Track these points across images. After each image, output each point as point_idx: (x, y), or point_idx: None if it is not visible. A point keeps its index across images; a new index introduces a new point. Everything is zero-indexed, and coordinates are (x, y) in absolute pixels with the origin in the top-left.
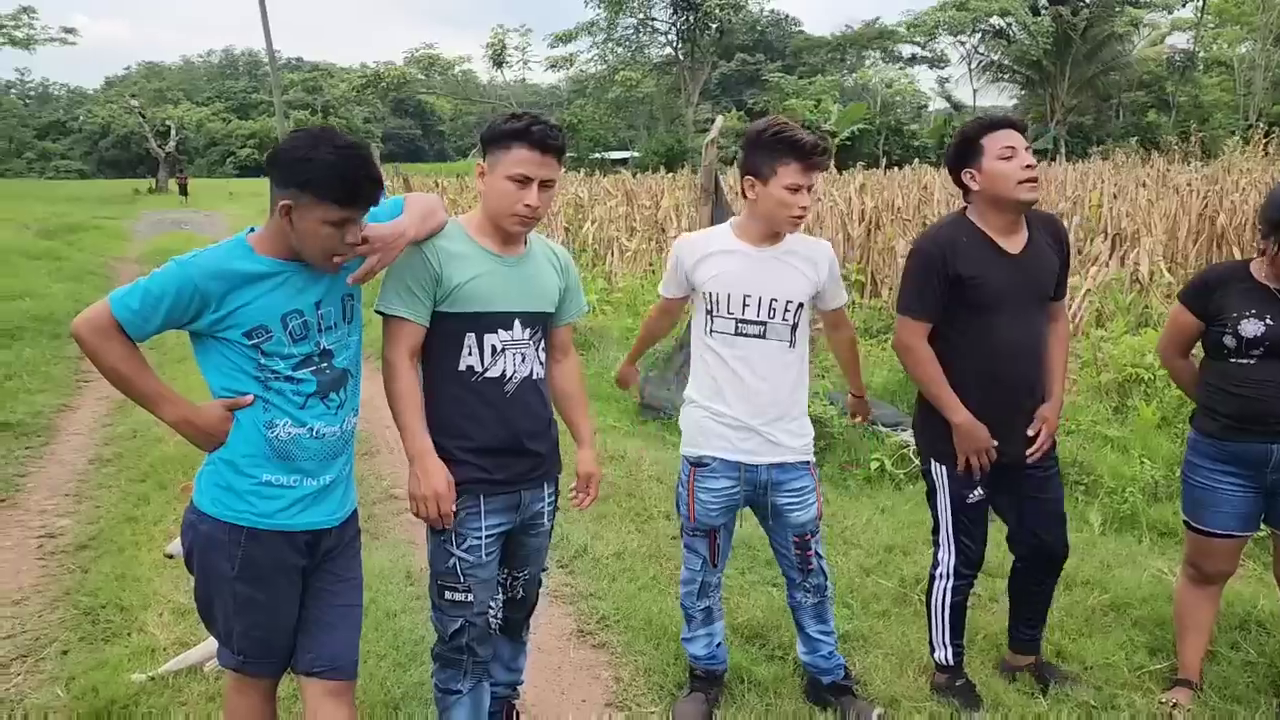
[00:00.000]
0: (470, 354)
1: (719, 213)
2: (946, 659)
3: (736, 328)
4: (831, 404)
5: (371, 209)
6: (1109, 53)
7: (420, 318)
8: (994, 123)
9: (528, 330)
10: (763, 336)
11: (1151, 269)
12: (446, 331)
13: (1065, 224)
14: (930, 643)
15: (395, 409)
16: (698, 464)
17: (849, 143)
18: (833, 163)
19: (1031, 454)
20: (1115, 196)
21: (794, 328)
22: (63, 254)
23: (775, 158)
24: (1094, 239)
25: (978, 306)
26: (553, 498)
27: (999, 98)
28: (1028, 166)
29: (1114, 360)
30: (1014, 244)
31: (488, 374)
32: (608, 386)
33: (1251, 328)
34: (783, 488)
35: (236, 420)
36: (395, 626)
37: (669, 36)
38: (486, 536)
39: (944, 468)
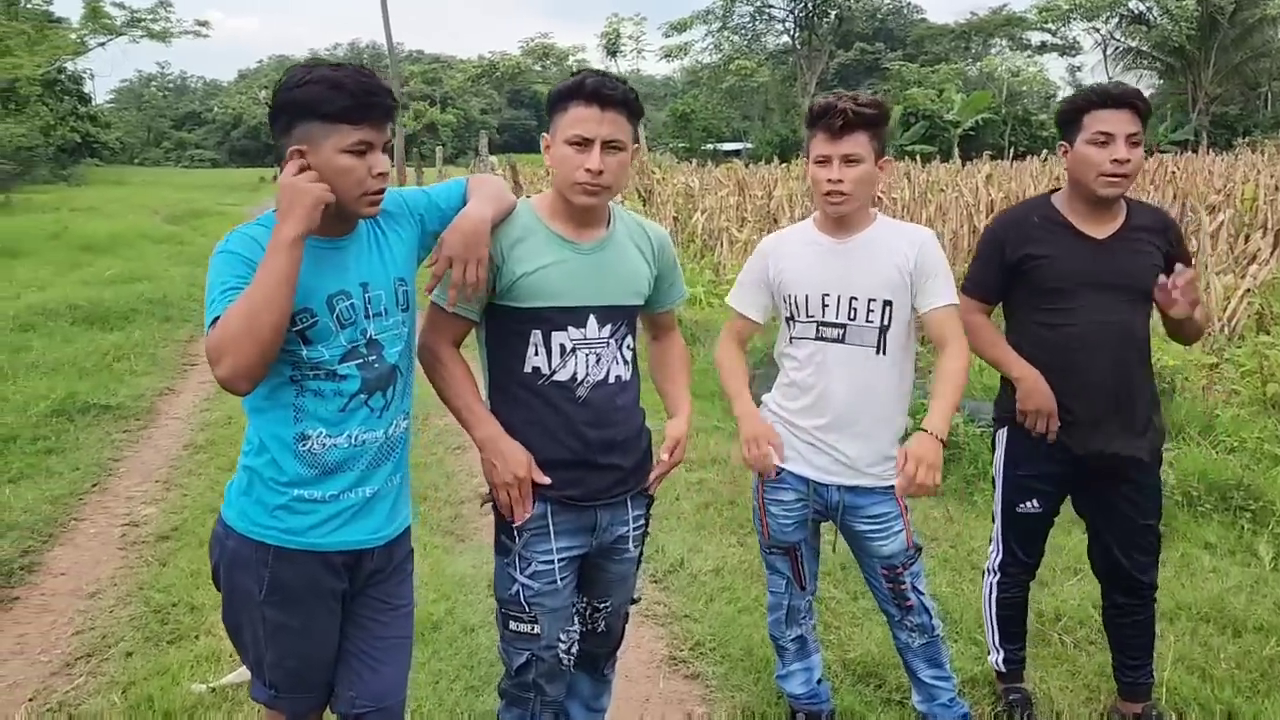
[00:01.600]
0: (536, 354)
1: None
2: (998, 664)
3: (818, 331)
4: (958, 410)
5: (430, 195)
6: (1259, 38)
7: (468, 311)
8: (1105, 98)
9: (606, 327)
10: (842, 340)
11: None
12: (509, 328)
13: (1175, 216)
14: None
15: (448, 395)
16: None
17: (972, 133)
18: (956, 153)
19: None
20: (1277, 189)
21: (883, 330)
22: (185, 239)
23: (809, 132)
24: (1249, 234)
25: (1048, 290)
26: (641, 521)
27: (1135, 86)
28: (1117, 160)
29: None
30: (1099, 229)
31: (556, 377)
32: (712, 384)
33: None
34: (859, 513)
35: (261, 431)
36: (472, 644)
37: (786, 24)
38: (559, 561)
39: (1003, 470)
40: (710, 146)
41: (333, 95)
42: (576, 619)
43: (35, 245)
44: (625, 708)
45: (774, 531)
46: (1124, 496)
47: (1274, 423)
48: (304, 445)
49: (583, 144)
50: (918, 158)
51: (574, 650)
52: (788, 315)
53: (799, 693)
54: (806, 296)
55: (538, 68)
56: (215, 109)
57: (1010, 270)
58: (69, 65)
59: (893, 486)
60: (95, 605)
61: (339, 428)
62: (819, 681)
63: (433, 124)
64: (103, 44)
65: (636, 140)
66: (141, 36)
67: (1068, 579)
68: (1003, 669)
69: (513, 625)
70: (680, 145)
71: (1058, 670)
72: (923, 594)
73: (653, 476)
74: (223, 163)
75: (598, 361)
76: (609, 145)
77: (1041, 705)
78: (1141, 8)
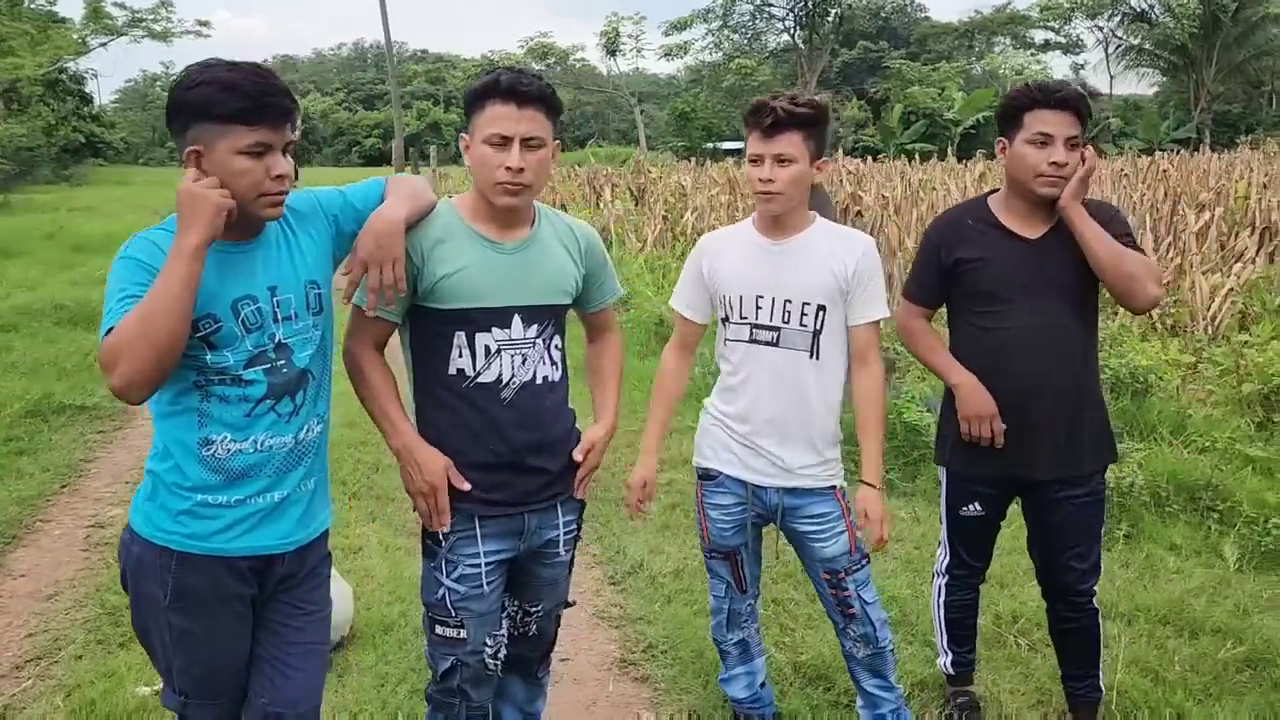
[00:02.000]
0: (460, 356)
1: (819, 200)
2: (946, 666)
3: (751, 334)
4: (928, 411)
5: (345, 195)
6: (1263, 36)
7: (389, 314)
8: (1048, 98)
9: (532, 328)
10: (775, 344)
11: None
12: (432, 330)
13: (1119, 207)
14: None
15: (367, 400)
16: (705, 476)
17: (973, 130)
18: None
19: None
20: (1266, 187)
21: (816, 335)
22: None
23: (747, 130)
24: (1239, 233)
25: (980, 293)
26: (572, 526)
27: (1138, 84)
28: (1055, 163)
29: (1258, 369)
30: (1032, 229)
31: (481, 379)
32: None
33: None
34: (798, 514)
35: (165, 436)
36: (421, 647)
37: (786, 23)
38: (486, 565)
39: (943, 469)
40: (711, 145)
41: (226, 96)
42: (505, 623)
43: (30, 245)
44: (571, 711)
45: (713, 536)
46: (1063, 509)
47: (1246, 423)
48: (208, 450)
49: (502, 143)
50: (916, 156)
51: (501, 655)
52: (723, 316)
53: (741, 697)
54: (740, 297)
55: (541, 67)
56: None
57: (946, 274)
58: (71, 65)
59: (831, 487)
60: (51, 607)
61: (244, 433)
62: (762, 685)
63: (436, 123)
64: (104, 44)
65: (557, 137)
66: (143, 37)
67: (1029, 580)
68: (951, 671)
69: (438, 630)
70: (680, 144)
71: (1010, 673)
72: (869, 604)
73: (577, 457)
74: None
75: (524, 362)
76: (528, 143)
77: (990, 709)
78: (1144, 5)
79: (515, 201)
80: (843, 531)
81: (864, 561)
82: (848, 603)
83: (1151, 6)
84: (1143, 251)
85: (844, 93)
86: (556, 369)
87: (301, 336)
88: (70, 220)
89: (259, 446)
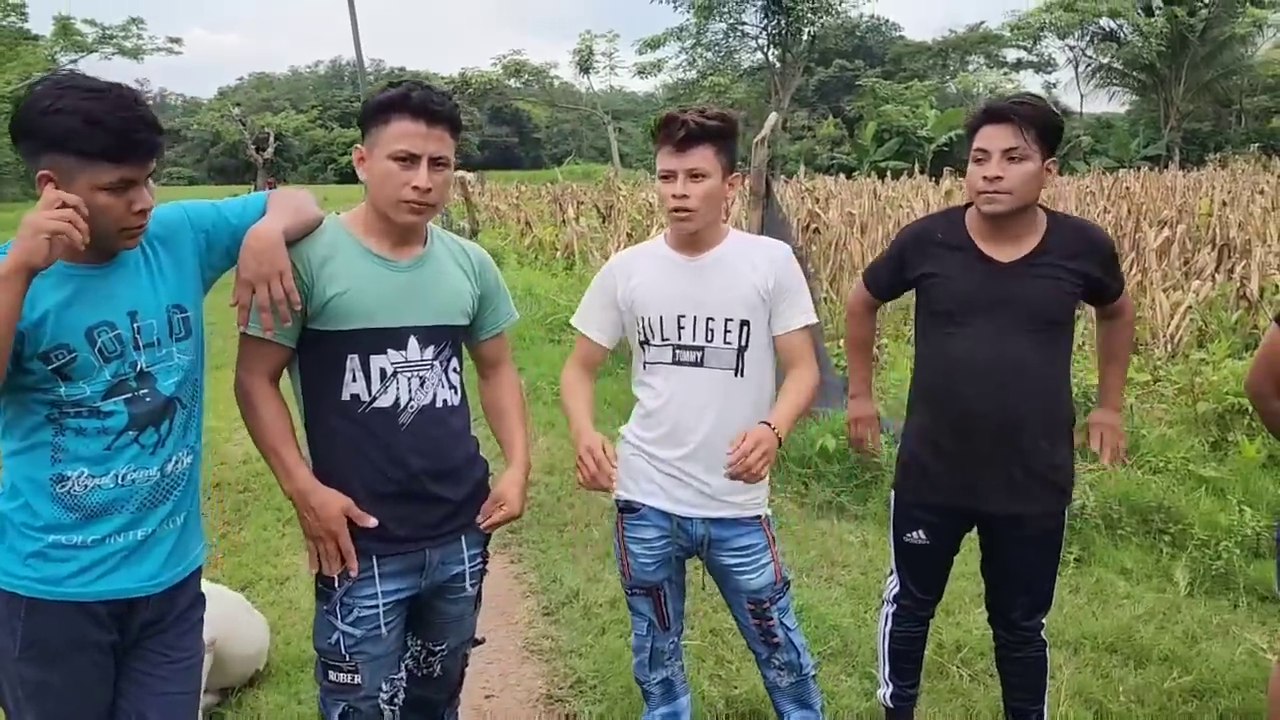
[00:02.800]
0: (354, 380)
1: (770, 217)
2: (886, 699)
3: (674, 355)
4: (884, 432)
5: (219, 209)
6: (1230, 56)
7: (283, 337)
8: (987, 114)
9: (429, 349)
10: (700, 364)
11: (1263, 284)
12: (324, 353)
13: (1105, 231)
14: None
15: (257, 438)
16: (626, 509)
17: (946, 148)
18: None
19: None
20: (1225, 204)
21: (740, 351)
22: None
23: (657, 145)
24: (1200, 250)
25: (939, 312)
26: (477, 558)
27: (1109, 103)
28: (986, 178)
29: (1213, 388)
30: (1005, 252)
31: (377, 403)
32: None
33: None
34: (725, 545)
35: (14, 473)
36: None
37: (760, 41)
38: (384, 605)
39: (893, 495)
40: None
41: (89, 131)
42: (407, 663)
43: None
44: None
45: (635, 571)
46: (1014, 547)
47: (1200, 442)
48: (62, 487)
49: (409, 160)
50: (888, 173)
51: (398, 699)
52: (641, 339)
53: None
54: (661, 318)
55: (516, 85)
56: (194, 126)
57: (908, 284)
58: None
59: (757, 517)
60: None
61: (103, 467)
62: None
63: None
64: (74, 61)
65: (479, 169)
66: (113, 54)
67: (975, 607)
68: (891, 705)
69: (331, 675)
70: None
71: (951, 705)
72: (791, 630)
73: (483, 524)
74: (201, 180)
75: (421, 385)
76: (435, 162)
77: None
78: (1113, 25)
79: (418, 220)
80: (769, 563)
81: (786, 588)
82: (772, 632)
83: (1120, 26)
84: (1123, 285)
85: (820, 110)
86: (455, 393)
87: (166, 364)
88: None
89: (120, 481)
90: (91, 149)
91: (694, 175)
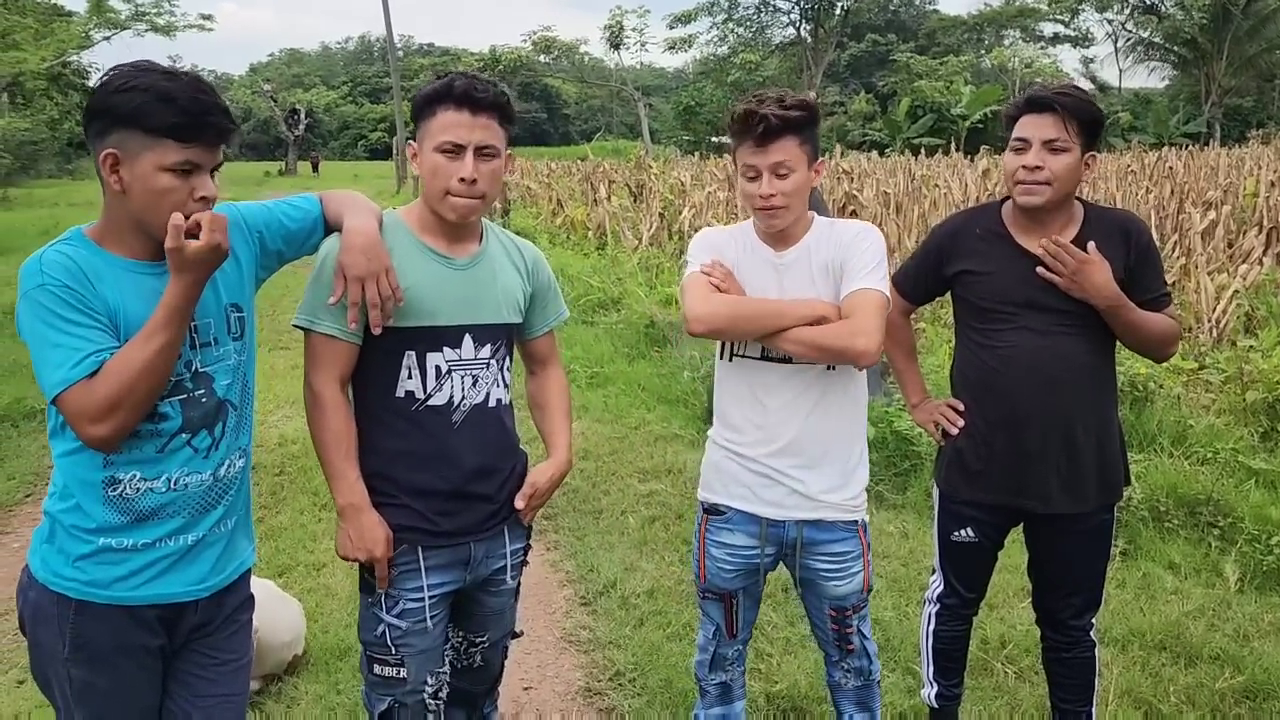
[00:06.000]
0: (410, 377)
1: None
2: (931, 699)
3: (762, 352)
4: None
5: (272, 211)
6: (1274, 29)
7: (351, 335)
8: (1029, 103)
9: (485, 347)
10: (789, 360)
11: None
12: (380, 350)
13: (1145, 223)
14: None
15: (321, 449)
16: (712, 511)
17: (980, 125)
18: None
19: None
20: (1274, 185)
21: None
22: None
23: (735, 140)
24: (1247, 232)
25: (982, 308)
26: (519, 552)
27: (1148, 78)
28: (1026, 167)
29: (1264, 376)
30: (1038, 243)
31: (431, 401)
32: (678, 388)
33: None
34: (817, 550)
35: (66, 474)
36: None
37: (791, 16)
38: (430, 598)
39: (936, 490)
40: (717, 140)
41: (160, 108)
42: (447, 658)
43: (25, 242)
44: None
45: (710, 575)
46: (1064, 546)
47: (1250, 432)
48: (114, 490)
49: (454, 151)
50: (922, 150)
51: (442, 694)
52: None
53: None
54: None
55: (546, 60)
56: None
57: (946, 282)
58: (74, 59)
59: (855, 521)
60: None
61: (156, 469)
62: None
63: None
64: (108, 38)
65: (510, 146)
66: (146, 30)
67: (1019, 601)
68: (935, 705)
69: (377, 669)
70: (686, 138)
71: (997, 703)
72: (867, 637)
73: (518, 504)
74: (232, 156)
75: (475, 384)
76: (482, 151)
77: None
78: None
79: (469, 215)
80: (859, 571)
81: (868, 596)
82: (849, 639)
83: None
84: (1171, 300)
85: (852, 86)
86: (507, 391)
87: (222, 364)
88: (68, 215)
89: (172, 485)
90: (160, 125)
91: (779, 171)
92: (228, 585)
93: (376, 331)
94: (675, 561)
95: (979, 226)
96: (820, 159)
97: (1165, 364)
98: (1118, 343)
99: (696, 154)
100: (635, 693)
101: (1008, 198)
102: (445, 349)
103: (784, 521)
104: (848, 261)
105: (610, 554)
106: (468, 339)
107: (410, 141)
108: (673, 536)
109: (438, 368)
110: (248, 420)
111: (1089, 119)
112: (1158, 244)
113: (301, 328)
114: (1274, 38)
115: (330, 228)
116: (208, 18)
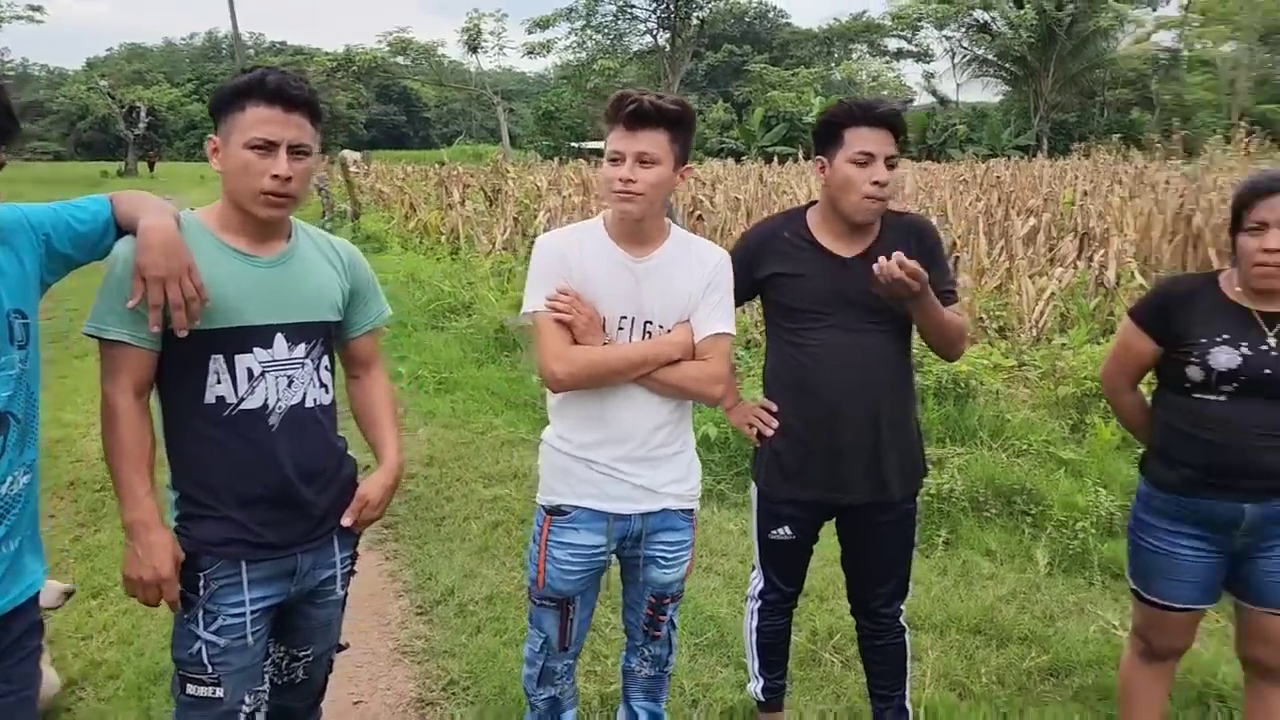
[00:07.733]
0: (219, 382)
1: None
2: (757, 693)
3: None
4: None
5: (58, 212)
6: (1093, 49)
7: (147, 341)
8: (868, 116)
9: (300, 346)
10: None
11: (1119, 271)
12: (185, 355)
13: (934, 226)
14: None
15: (111, 461)
16: (555, 512)
17: None
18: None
19: None
20: (1086, 194)
21: None
22: None
23: (608, 126)
24: (1064, 238)
25: (793, 309)
26: (347, 560)
27: (983, 93)
28: (876, 182)
29: (1073, 372)
30: (848, 247)
31: (244, 405)
32: (526, 393)
33: (1224, 358)
34: (656, 538)
35: None
36: None
37: (649, 25)
38: (252, 613)
39: (754, 489)
40: (576, 145)
41: (256, 83)
42: (267, 675)
43: None
44: None
45: (551, 580)
46: (872, 534)
47: (1061, 425)
48: None
49: (267, 148)
50: (775, 158)
51: (261, 713)
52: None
53: None
54: (604, 319)
55: (404, 63)
56: (60, 99)
57: (757, 285)
58: None
59: (691, 510)
60: None
61: None
62: None
63: None
64: None
65: (321, 148)
66: None
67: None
68: (761, 698)
69: (190, 689)
70: (546, 143)
71: (823, 693)
72: (674, 628)
73: (346, 521)
74: (68, 156)
75: (290, 385)
76: (295, 150)
77: None
78: (985, 17)
79: (279, 214)
80: (687, 560)
81: (684, 587)
82: (659, 625)
83: (993, 19)
84: (957, 298)
85: (709, 95)
86: (326, 392)
87: (2, 374)
88: None
89: None
90: (250, 94)
91: (644, 160)
92: (12, 610)
93: (182, 334)
94: (516, 567)
95: (787, 231)
96: (689, 165)
97: (987, 362)
98: (913, 335)
99: (556, 159)
100: (468, 701)
101: (814, 203)
102: (256, 349)
103: (631, 515)
104: (708, 296)
105: (450, 561)
106: (279, 338)
107: (211, 137)
108: (515, 542)
109: (249, 370)
110: (33, 434)
111: (905, 135)
112: (985, 247)
113: (92, 335)
114: (1094, 57)
115: (122, 230)
116: (37, 9)
